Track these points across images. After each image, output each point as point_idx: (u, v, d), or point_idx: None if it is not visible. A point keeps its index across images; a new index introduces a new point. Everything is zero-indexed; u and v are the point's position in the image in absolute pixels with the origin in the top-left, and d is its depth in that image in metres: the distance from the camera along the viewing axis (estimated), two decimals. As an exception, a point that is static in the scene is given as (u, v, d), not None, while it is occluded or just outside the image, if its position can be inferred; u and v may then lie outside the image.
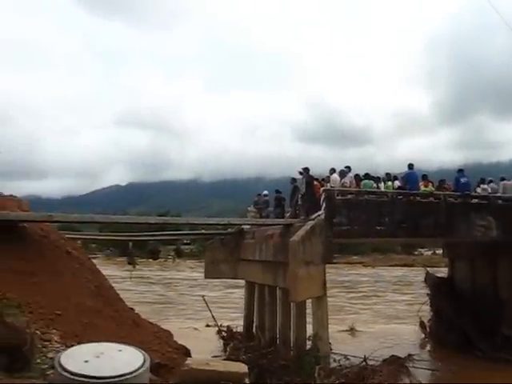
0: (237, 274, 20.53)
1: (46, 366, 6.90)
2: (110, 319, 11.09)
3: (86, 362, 3.16)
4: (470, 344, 19.64)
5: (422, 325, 22.86)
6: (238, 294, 25.18)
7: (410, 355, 17.25)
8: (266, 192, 22.48)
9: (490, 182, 20.89)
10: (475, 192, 20.02)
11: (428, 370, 17.85)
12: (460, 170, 20.35)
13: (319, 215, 16.41)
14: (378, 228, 17.57)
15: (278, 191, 21.14)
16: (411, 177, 18.91)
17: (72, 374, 2.99)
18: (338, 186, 17.78)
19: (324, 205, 16.63)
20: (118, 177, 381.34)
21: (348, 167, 18.73)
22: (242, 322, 20.99)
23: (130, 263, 33.62)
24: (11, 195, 13.66)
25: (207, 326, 23.09)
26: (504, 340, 19.19)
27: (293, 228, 16.59)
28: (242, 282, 21.96)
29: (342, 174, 18.18)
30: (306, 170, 17.94)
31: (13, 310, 8.34)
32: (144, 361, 3.43)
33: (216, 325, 21.38)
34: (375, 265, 61.96)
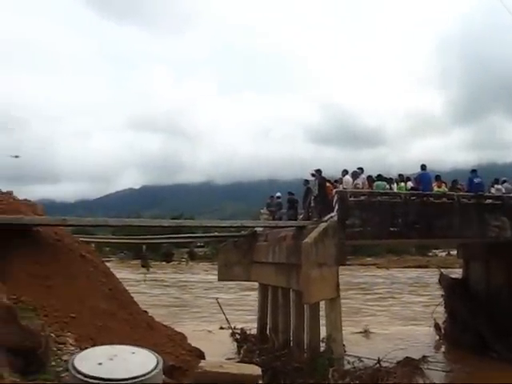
0: (250, 276, 20.53)
1: (61, 368, 6.94)
2: (123, 322, 11.14)
3: (100, 364, 3.19)
4: (485, 345, 19.49)
5: (436, 326, 22.72)
6: (254, 297, 25.18)
7: (424, 357, 17.16)
8: (278, 194, 22.47)
9: (504, 182, 20.72)
10: (489, 192, 19.88)
11: (442, 371, 17.73)
12: (473, 171, 20.23)
13: (332, 217, 16.40)
14: (391, 229, 17.50)
15: (290, 193, 21.13)
16: (424, 177, 18.83)
17: (85, 376, 3.02)
18: (351, 188, 17.74)
19: (337, 206, 16.60)
20: (131, 180, 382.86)
21: (360, 168, 18.69)
22: (256, 325, 20.98)
23: (143, 266, 33.80)
24: (25, 199, 13.75)
25: (221, 328, 23.10)
26: (519, 341, 19.04)
27: (306, 230, 16.57)
28: (257, 284, 21.95)
29: (355, 175, 18.15)
30: (319, 171, 17.93)
31: (28, 313, 8.40)
32: (157, 363, 3.45)
33: (230, 327, 21.39)
34: (389, 266, 61.66)
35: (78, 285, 11.26)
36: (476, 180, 19.42)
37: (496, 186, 20.35)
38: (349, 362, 16.22)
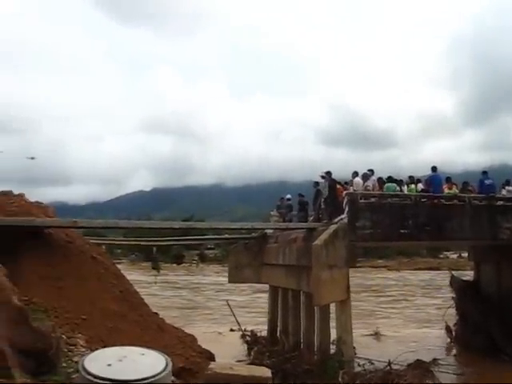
0: (260, 278, 20.54)
1: (72, 369, 6.98)
2: (134, 324, 11.18)
3: (109, 365, 3.21)
4: (497, 348, 19.37)
5: (447, 329, 22.60)
6: (265, 299, 25.14)
7: (435, 359, 17.11)
8: (288, 196, 22.48)
9: (516, 183, 20.63)
10: (500, 194, 19.79)
11: (453, 374, 17.64)
12: (484, 172, 20.14)
13: (342, 219, 16.39)
14: (402, 231, 17.47)
15: (300, 195, 21.14)
16: (435, 179, 18.79)
17: (95, 377, 3.05)
18: (361, 190, 17.73)
19: (347, 208, 16.59)
20: (142, 182, 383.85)
21: (371, 170, 18.67)
22: (266, 327, 20.98)
23: (154, 268, 33.79)
24: (37, 201, 13.84)
25: (231, 330, 23.12)
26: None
27: (316, 232, 16.58)
28: (268, 286, 21.95)
29: (365, 177, 18.14)
30: (329, 173, 17.93)
31: (39, 315, 8.46)
32: (166, 364, 3.47)
33: (240, 329, 21.40)
34: (400, 268, 61.37)
35: (89, 286, 11.32)
36: (487, 181, 19.35)
37: (507, 187, 20.27)
38: (359, 365, 16.20)
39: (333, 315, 16.50)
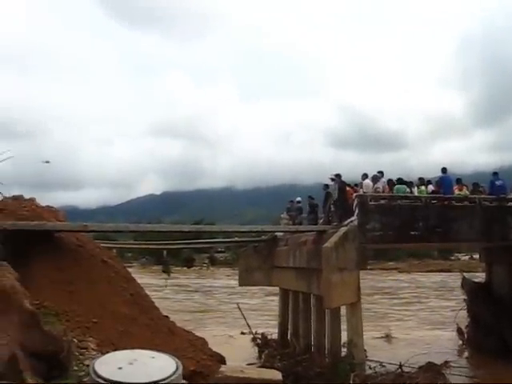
0: (271, 281, 20.54)
1: (83, 373, 7.01)
2: (145, 327, 11.21)
3: (120, 368, 3.22)
4: (509, 350, 19.22)
5: (459, 331, 22.48)
6: (277, 302, 25.17)
7: (446, 362, 16.98)
8: (298, 199, 22.47)
9: (527, 184, 20.50)
10: (511, 195, 19.67)
11: (465, 376, 17.53)
12: (495, 173, 20.04)
13: (352, 221, 16.36)
14: (412, 233, 17.41)
15: (310, 197, 21.12)
16: (445, 181, 18.72)
17: (105, 380, 3.06)
18: (371, 192, 17.69)
19: (357, 210, 16.56)
20: (152, 186, 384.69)
21: (381, 172, 18.63)
22: (277, 330, 20.96)
23: (164, 271, 33.81)
24: (47, 206, 13.91)
25: (242, 333, 23.10)
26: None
27: (326, 234, 16.56)
28: (280, 289, 21.93)
29: (375, 179, 18.10)
30: (338, 176, 17.92)
31: (50, 318, 8.50)
32: (177, 368, 3.47)
33: (251, 332, 21.39)
34: (411, 270, 61.16)
35: (100, 290, 11.36)
36: (498, 182, 19.25)
37: (518, 188, 20.14)
38: (370, 367, 16.17)
39: (344, 318, 16.45)
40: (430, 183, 19.42)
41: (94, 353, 8.66)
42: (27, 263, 10.46)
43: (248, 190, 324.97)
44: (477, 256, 34.69)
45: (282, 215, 22.85)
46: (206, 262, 68.91)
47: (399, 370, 15.95)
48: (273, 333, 21.00)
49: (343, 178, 18.17)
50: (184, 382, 3.70)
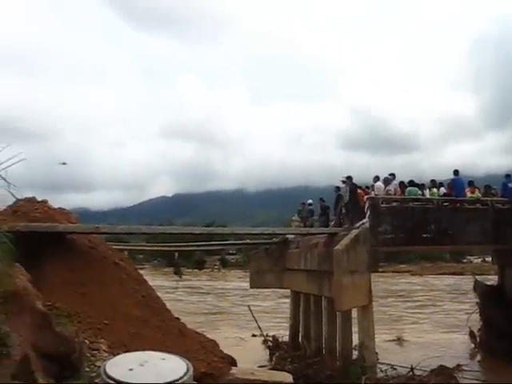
0: (282, 283, 20.54)
1: (95, 374, 7.05)
2: (156, 329, 11.24)
3: (131, 370, 3.24)
4: (522, 353, 19.11)
5: (471, 334, 22.34)
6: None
7: (458, 365, 16.90)
8: (310, 201, 22.48)
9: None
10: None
11: (477, 380, 17.42)
12: (507, 175, 19.90)
13: (363, 223, 16.33)
14: (424, 236, 17.36)
15: (322, 200, 21.13)
16: (457, 183, 18.65)
17: (116, 381, 3.07)
18: (383, 194, 17.67)
19: (368, 213, 16.53)
20: (164, 188, 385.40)
21: (392, 174, 18.61)
22: (288, 332, 20.95)
23: (175, 273, 33.95)
24: (60, 208, 13.99)
25: (253, 335, 23.09)
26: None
27: (337, 237, 16.54)
28: (292, 291, 21.89)
29: (387, 181, 18.07)
30: (349, 178, 17.91)
31: (62, 320, 8.55)
32: (187, 369, 3.48)
33: (262, 334, 21.39)
34: (423, 273, 60.89)
35: (112, 292, 11.41)
36: (510, 185, 19.14)
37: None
38: (381, 370, 16.12)
39: (355, 320, 16.42)
40: (442, 185, 19.37)
41: (106, 354, 8.71)
42: (39, 265, 10.52)
43: (259, 192, 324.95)
44: (489, 259, 34.46)
45: (293, 217, 22.87)
46: (218, 264, 69.04)
47: (411, 373, 15.90)
48: (284, 335, 20.99)
49: (355, 181, 18.17)
50: (195, 383, 3.71)
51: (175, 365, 3.48)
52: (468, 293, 33.73)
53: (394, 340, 23.49)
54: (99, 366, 7.05)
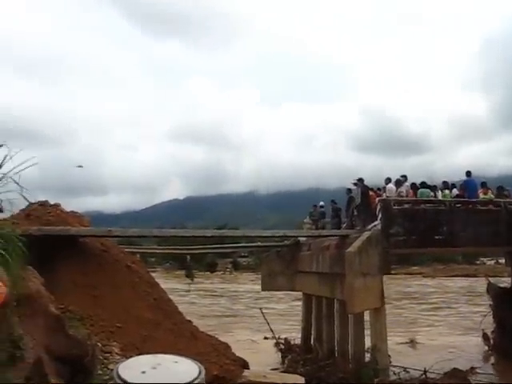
0: (294, 286, 20.49)
1: (107, 377, 7.08)
2: (168, 332, 11.27)
3: (143, 372, 3.25)
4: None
5: (485, 337, 22.19)
6: (302, 307, 25.04)
7: (472, 368, 16.79)
8: (322, 203, 22.45)
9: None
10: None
11: (491, 383, 17.28)
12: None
13: (375, 225, 16.27)
14: (436, 237, 17.26)
15: (333, 202, 21.09)
16: (469, 184, 18.54)
17: (129, 384, 3.09)
18: (394, 196, 17.60)
19: (380, 215, 16.47)
20: (176, 191, 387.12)
21: (404, 176, 18.53)
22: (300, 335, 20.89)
23: (187, 276, 33.94)
24: (72, 211, 14.06)
25: (265, 338, 23.05)
26: None
27: (349, 239, 16.48)
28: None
29: (398, 183, 18.00)
30: (361, 180, 17.86)
31: (75, 323, 8.58)
32: (199, 372, 3.49)
33: (274, 337, 21.36)
34: (435, 275, 60.53)
35: (124, 295, 11.46)
36: (524, 186, 19.02)
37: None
38: (394, 373, 16.04)
39: (368, 323, 16.36)
40: (455, 187, 19.25)
41: (118, 357, 8.73)
42: (52, 268, 10.58)
43: (271, 194, 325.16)
44: (502, 260, 34.22)
45: (304, 220, 22.83)
46: (229, 266, 69.07)
47: (424, 375, 15.81)
48: (296, 338, 20.93)
49: (366, 182, 18.12)
50: (207, 386, 3.70)
51: (187, 367, 3.49)
52: (483, 295, 33.38)
53: (406, 342, 23.37)
54: (112, 369, 7.07)
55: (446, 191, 18.87)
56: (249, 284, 50.04)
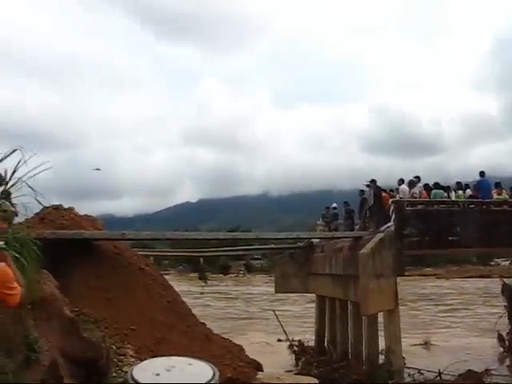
0: (307, 288, 20.47)
1: (122, 379, 7.11)
2: (182, 334, 11.30)
3: (157, 375, 3.27)
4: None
5: (500, 338, 22.03)
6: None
7: (487, 370, 16.65)
8: (334, 205, 22.42)
9: None
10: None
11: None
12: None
13: (389, 227, 16.21)
14: (450, 239, 17.15)
15: (346, 203, 21.05)
16: (483, 185, 18.41)
17: (143, 386, 3.11)
18: (408, 197, 17.53)
19: (393, 216, 16.41)
20: (188, 194, 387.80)
21: (417, 177, 18.46)
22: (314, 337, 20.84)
23: (200, 278, 34.06)
24: (86, 215, 14.14)
25: (279, 340, 23.01)
26: None
27: (362, 241, 16.44)
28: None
29: (411, 184, 17.93)
30: (373, 181, 17.82)
31: (89, 325, 8.63)
32: (213, 374, 3.50)
33: (287, 339, 21.33)
34: (449, 276, 60.21)
35: (138, 297, 11.51)
36: (538, 185, 18.86)
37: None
38: (409, 375, 15.95)
39: (382, 324, 16.29)
40: (468, 187, 19.13)
41: (132, 359, 8.77)
42: (67, 271, 10.64)
43: (284, 196, 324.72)
44: (517, 261, 34.04)
45: (317, 222, 22.79)
46: (242, 269, 69.07)
47: (438, 377, 15.72)
48: (310, 340, 20.88)
49: (379, 184, 18.06)
50: (221, 388, 3.71)
51: (201, 370, 3.50)
52: (500, 296, 33.20)
53: (421, 344, 23.24)
54: (126, 371, 7.10)
55: (460, 192, 18.77)
56: (263, 286, 49.98)
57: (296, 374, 15.87)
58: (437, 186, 18.39)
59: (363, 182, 18.48)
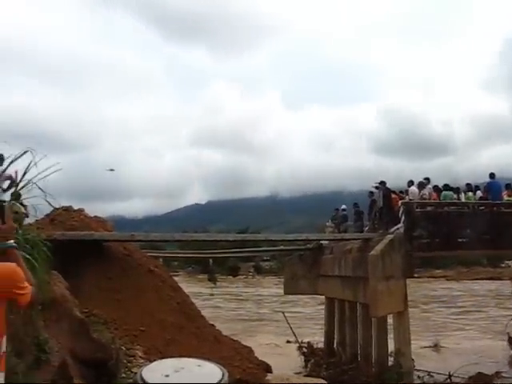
0: (316, 289, 20.44)
1: (131, 380, 7.13)
2: (191, 335, 11.32)
3: (167, 376, 3.28)
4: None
5: (510, 340, 21.92)
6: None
7: (497, 372, 16.57)
8: (344, 206, 22.40)
9: None
10: None
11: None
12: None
13: (398, 228, 16.17)
14: (460, 240, 17.08)
15: (356, 205, 21.02)
16: (493, 186, 18.33)
17: (153, 387, 3.12)
18: (417, 199, 17.48)
19: (403, 218, 16.36)
20: (197, 195, 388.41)
21: (427, 179, 18.41)
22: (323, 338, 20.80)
23: (210, 280, 34.06)
24: (96, 216, 14.20)
25: (288, 342, 22.99)
26: None
27: (371, 242, 16.40)
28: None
29: (421, 185, 17.89)
30: (383, 183, 17.80)
31: (99, 327, 8.67)
32: (222, 376, 3.51)
33: (297, 341, 21.30)
34: (459, 278, 59.86)
35: (147, 298, 11.53)
36: (548, 187, 18.74)
37: None
38: (418, 377, 15.88)
39: (391, 326, 16.24)
40: (478, 189, 19.06)
41: (142, 360, 8.79)
42: (76, 272, 10.68)
43: (293, 197, 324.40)
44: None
45: (327, 223, 22.78)
46: (252, 270, 69.03)
47: (448, 380, 15.66)
48: (319, 341, 20.84)
49: (388, 185, 18.04)
50: (230, 389, 3.72)
51: (211, 371, 3.51)
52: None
53: (431, 346, 23.15)
54: (135, 372, 7.12)
55: (470, 193, 18.71)
56: (273, 288, 49.89)
57: (305, 375, 15.86)
58: (446, 187, 18.34)
59: (372, 183, 18.45)
